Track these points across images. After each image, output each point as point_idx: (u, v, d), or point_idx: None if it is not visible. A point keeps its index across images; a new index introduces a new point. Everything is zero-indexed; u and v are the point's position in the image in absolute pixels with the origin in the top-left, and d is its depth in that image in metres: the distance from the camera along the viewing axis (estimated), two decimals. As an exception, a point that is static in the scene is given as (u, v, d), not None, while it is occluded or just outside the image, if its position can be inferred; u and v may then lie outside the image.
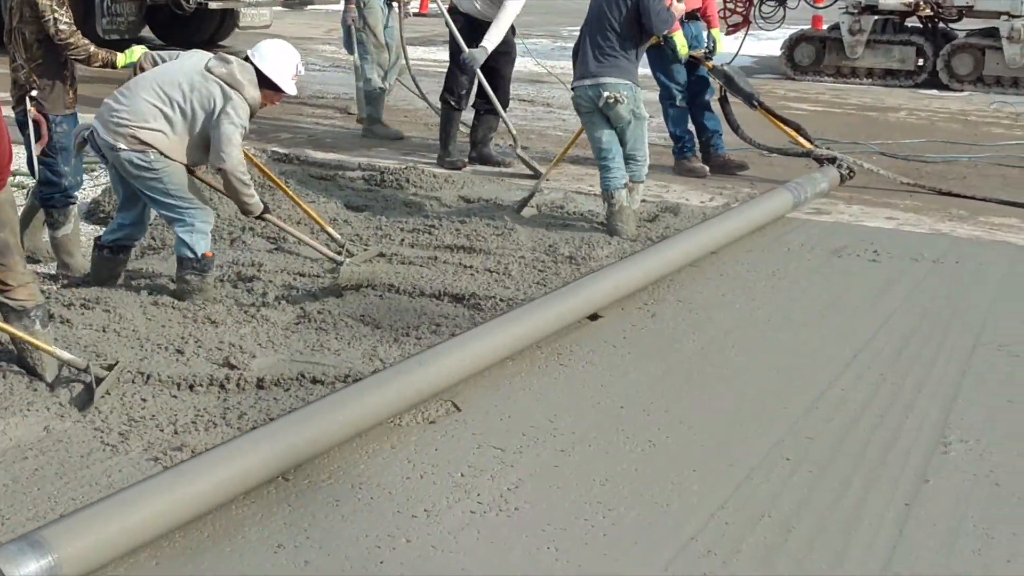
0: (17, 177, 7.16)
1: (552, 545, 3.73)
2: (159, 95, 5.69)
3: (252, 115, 5.86)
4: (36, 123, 5.94)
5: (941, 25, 15.65)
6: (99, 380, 4.72)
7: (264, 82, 5.84)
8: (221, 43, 17.59)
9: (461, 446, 4.42)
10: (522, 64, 13.98)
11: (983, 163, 10.30)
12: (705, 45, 9.43)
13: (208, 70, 5.74)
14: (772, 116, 9.39)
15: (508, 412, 4.75)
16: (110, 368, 4.83)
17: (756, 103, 9.20)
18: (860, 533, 3.86)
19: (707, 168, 9.54)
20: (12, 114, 6.08)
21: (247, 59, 5.87)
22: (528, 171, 9.15)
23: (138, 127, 5.65)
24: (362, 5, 10.63)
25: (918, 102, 14.23)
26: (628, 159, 7.60)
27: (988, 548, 3.79)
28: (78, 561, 3.38)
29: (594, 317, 5.89)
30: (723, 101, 9.46)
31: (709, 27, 9.50)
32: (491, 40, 9.04)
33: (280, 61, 5.88)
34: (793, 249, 7.27)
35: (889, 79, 15.58)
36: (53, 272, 6.45)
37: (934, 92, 14.99)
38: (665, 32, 7.67)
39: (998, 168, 10.10)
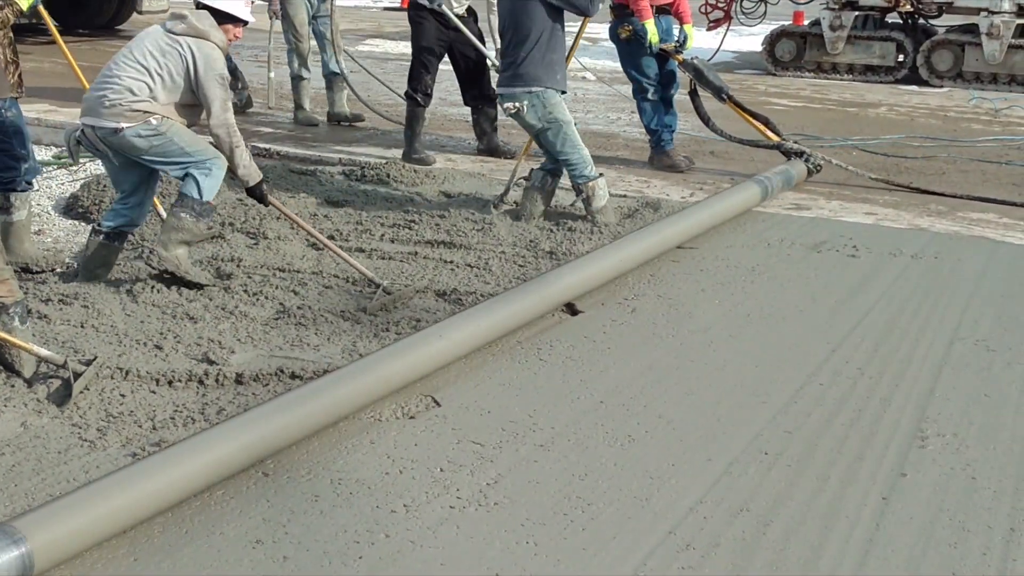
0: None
1: (531, 540, 3.73)
2: (136, 67, 5.77)
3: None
4: None
5: (921, 21, 15.74)
6: (77, 375, 4.71)
7: (221, 18, 5.89)
8: (119, 27, 17.60)
9: (440, 441, 4.42)
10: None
11: (962, 159, 10.35)
12: (675, 39, 9.49)
13: (169, 31, 5.80)
14: (741, 110, 9.46)
15: (487, 407, 4.75)
16: (88, 364, 4.81)
17: (725, 96, 9.29)
18: (838, 527, 3.87)
19: (685, 162, 9.59)
20: None
21: (198, 6, 5.92)
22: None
23: (130, 102, 5.72)
24: None
25: (898, 98, 14.27)
26: (564, 165, 7.53)
27: (964, 541, 3.81)
28: (52, 550, 3.39)
29: (574, 312, 5.90)
30: (693, 94, 9.52)
31: (681, 22, 9.56)
32: None
33: None
34: (773, 244, 7.28)
35: (869, 75, 15.65)
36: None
37: (914, 88, 15.06)
38: (592, 13, 7.62)
39: (977, 164, 10.14)
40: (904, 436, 4.57)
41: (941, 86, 15.10)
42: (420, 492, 4.01)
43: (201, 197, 5.88)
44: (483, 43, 9.49)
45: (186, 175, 5.88)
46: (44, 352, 4.79)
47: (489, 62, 9.42)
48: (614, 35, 9.49)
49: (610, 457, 4.32)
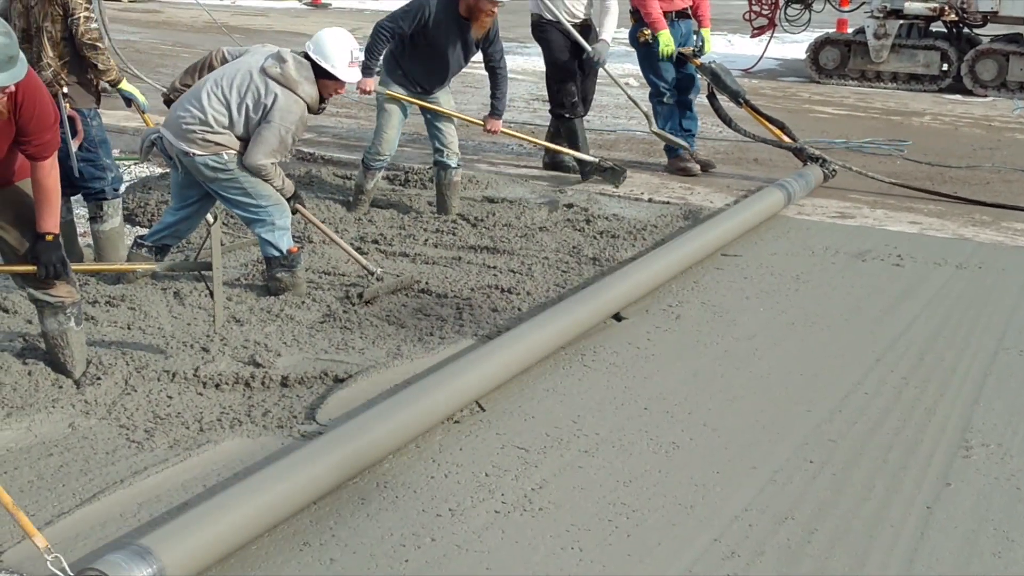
0: None
1: (576, 545, 3.75)
2: (220, 98, 5.78)
3: (312, 111, 5.93)
4: (71, 119, 5.98)
5: (966, 30, 15.63)
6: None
7: (322, 73, 5.90)
8: None
9: (485, 446, 4.44)
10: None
11: (1007, 169, 10.28)
12: (694, 43, 9.52)
13: (263, 70, 5.79)
14: (757, 114, 9.56)
15: (532, 413, 4.76)
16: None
17: (742, 100, 9.40)
18: (882, 535, 3.87)
19: (699, 166, 9.63)
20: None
21: (305, 54, 5.92)
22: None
23: (207, 131, 5.75)
24: None
25: (942, 107, 14.19)
26: None
27: (1008, 551, 3.80)
28: (180, 567, 3.38)
29: (619, 318, 5.91)
30: (711, 97, 9.60)
31: (700, 26, 9.61)
32: (608, 31, 9.14)
33: (334, 50, 5.92)
34: (817, 253, 7.27)
35: (913, 83, 15.56)
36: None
37: (958, 97, 14.97)
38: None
39: (1022, 175, 10.07)
40: (948, 446, 4.56)
41: (985, 95, 15.00)
42: (465, 496, 4.03)
43: (281, 252, 5.98)
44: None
45: (259, 237, 5.99)
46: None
47: (586, 55, 9.22)
48: (633, 39, 9.56)
49: (655, 464, 4.33)
